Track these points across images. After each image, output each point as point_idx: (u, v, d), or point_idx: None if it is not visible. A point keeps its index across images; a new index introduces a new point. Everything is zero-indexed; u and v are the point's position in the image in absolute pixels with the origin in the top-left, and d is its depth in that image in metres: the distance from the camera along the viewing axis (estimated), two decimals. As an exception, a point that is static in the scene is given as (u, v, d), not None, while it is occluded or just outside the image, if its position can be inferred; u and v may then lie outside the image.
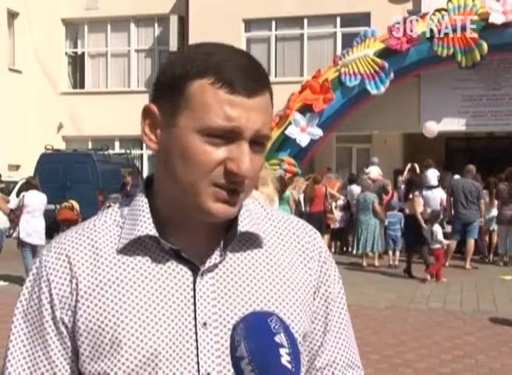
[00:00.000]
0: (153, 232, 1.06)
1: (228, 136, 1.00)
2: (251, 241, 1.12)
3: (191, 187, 1.01)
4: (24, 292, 1.10)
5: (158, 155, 1.07)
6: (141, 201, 1.10)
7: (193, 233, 1.08)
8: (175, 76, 1.02)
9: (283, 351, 0.87)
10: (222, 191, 1.01)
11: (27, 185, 10.16)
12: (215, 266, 1.07)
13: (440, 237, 10.41)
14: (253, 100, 1.00)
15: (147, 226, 1.06)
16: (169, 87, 1.03)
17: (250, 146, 1.01)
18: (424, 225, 10.69)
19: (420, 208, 11.15)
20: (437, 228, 10.44)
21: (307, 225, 1.21)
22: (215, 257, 1.07)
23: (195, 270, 1.07)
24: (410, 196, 11.28)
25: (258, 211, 1.17)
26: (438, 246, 10.41)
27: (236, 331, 0.91)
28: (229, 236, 1.09)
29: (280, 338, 0.88)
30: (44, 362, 1.07)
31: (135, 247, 1.07)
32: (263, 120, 1.02)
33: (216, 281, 1.07)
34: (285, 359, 0.87)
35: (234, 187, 1.02)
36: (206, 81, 1.00)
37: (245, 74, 1.00)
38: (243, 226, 1.09)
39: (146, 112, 1.06)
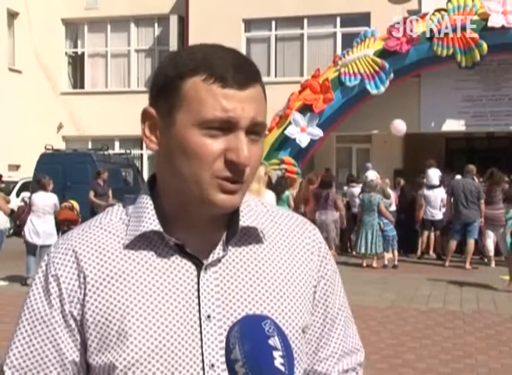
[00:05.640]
0: (158, 227, 1.09)
1: (225, 127, 1.03)
2: (253, 236, 1.15)
3: (195, 181, 1.05)
4: (33, 288, 1.13)
5: (159, 154, 1.10)
6: (145, 199, 1.13)
7: (197, 229, 1.11)
8: (168, 78, 1.06)
9: (277, 354, 0.89)
10: (225, 182, 1.04)
11: (38, 184, 10.21)
12: (218, 260, 1.11)
13: None
14: (245, 92, 1.04)
15: (151, 222, 1.10)
16: (164, 88, 1.07)
17: (247, 136, 1.05)
18: None
19: None
20: None
21: (307, 221, 1.25)
22: (218, 252, 1.11)
23: (199, 265, 1.10)
24: None
25: (259, 207, 1.20)
26: None
27: (231, 334, 0.93)
28: (231, 231, 1.12)
29: (274, 341, 0.90)
30: (53, 354, 1.09)
31: (141, 242, 1.11)
32: (257, 109, 1.05)
33: (219, 275, 1.10)
34: (278, 362, 0.89)
35: (236, 178, 1.05)
36: (199, 78, 1.04)
37: (235, 68, 1.04)
38: (244, 221, 1.13)
39: (145, 115, 1.10)
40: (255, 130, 1.06)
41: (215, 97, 1.02)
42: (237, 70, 1.04)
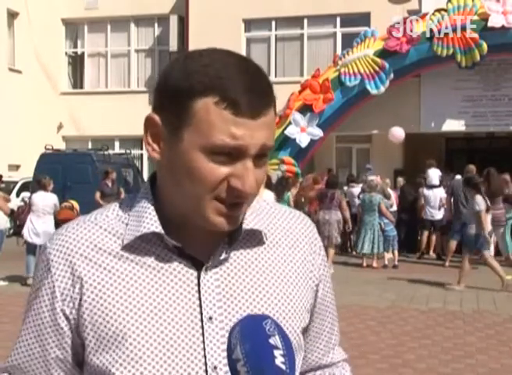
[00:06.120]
0: (159, 229, 1.07)
1: (232, 153, 1.00)
2: (255, 238, 1.14)
3: (194, 201, 1.03)
4: (33, 283, 1.15)
5: (162, 164, 1.07)
6: (147, 198, 1.11)
7: (197, 232, 1.09)
8: (177, 90, 1.01)
9: (277, 353, 0.89)
10: (223, 206, 1.03)
11: (38, 184, 10.22)
12: (220, 262, 1.09)
13: None
14: (258, 121, 1.01)
15: (152, 224, 1.08)
16: (172, 100, 1.02)
17: (254, 160, 1.02)
18: None
19: None
20: None
21: (308, 219, 1.25)
22: (220, 254, 1.09)
23: (199, 267, 1.09)
24: None
25: (262, 206, 1.19)
26: None
27: (233, 334, 0.92)
28: (234, 234, 1.10)
29: (275, 340, 0.90)
30: (38, 349, 1.11)
31: (138, 243, 1.09)
32: (267, 136, 1.03)
33: (220, 276, 1.09)
34: (279, 361, 0.89)
35: (237, 200, 1.03)
36: (211, 99, 0.99)
37: (250, 94, 1.00)
38: (247, 223, 1.11)
39: (148, 123, 1.06)
40: (262, 152, 1.03)
41: (225, 123, 0.99)
42: (251, 95, 1.00)
